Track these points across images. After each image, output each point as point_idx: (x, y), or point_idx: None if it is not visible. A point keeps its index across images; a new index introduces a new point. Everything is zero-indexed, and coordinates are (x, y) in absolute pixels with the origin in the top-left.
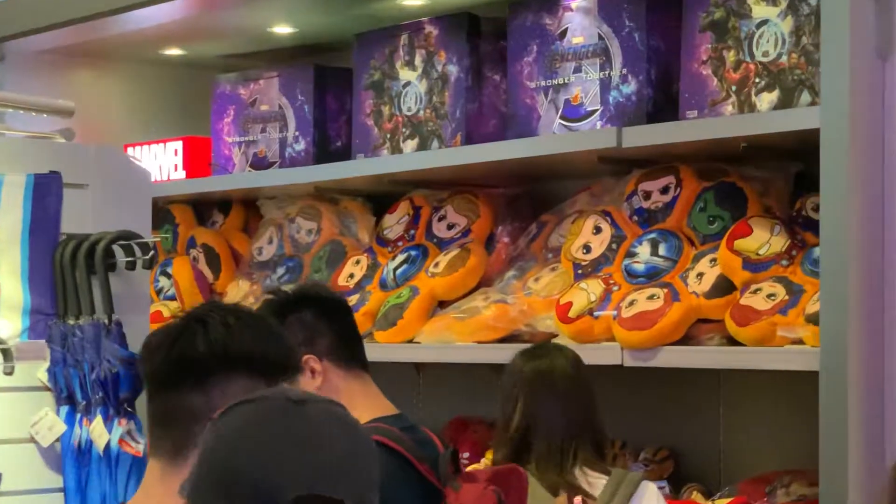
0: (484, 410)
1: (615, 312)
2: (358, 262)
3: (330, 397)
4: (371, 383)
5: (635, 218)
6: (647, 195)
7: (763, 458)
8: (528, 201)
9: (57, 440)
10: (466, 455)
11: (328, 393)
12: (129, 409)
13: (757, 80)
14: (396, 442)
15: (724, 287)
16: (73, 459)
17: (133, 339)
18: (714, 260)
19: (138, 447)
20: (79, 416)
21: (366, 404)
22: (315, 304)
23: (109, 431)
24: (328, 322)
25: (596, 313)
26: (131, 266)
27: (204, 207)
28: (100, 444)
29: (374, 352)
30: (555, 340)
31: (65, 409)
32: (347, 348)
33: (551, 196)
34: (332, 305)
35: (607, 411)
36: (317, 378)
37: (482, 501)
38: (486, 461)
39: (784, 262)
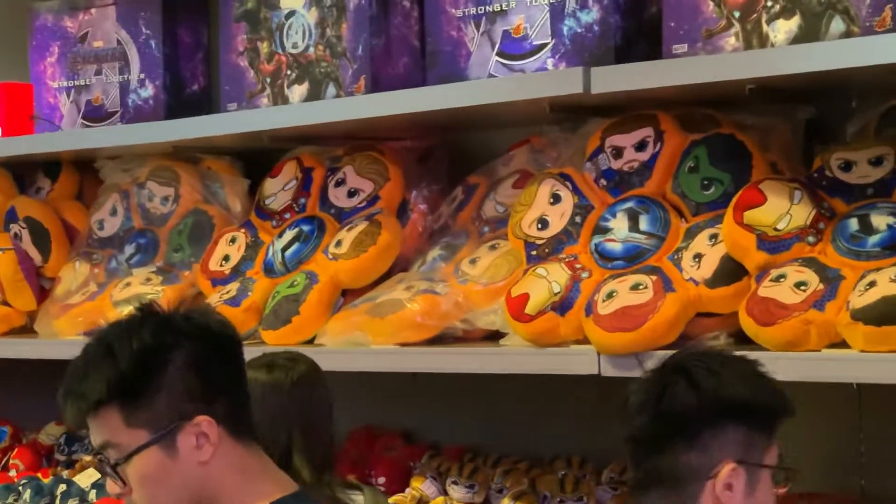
0: (397, 420)
1: (589, 307)
2: (233, 240)
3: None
4: (263, 453)
5: (603, 182)
6: (618, 152)
7: None
8: (443, 157)
9: None
10: (383, 480)
11: (217, 473)
12: None
13: (769, 2)
14: None
15: (730, 272)
16: None
17: None
18: (714, 236)
19: None
20: None
21: (267, 481)
22: (213, 341)
23: None
24: (229, 371)
25: (562, 307)
26: None
27: (25, 171)
28: None
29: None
30: (505, 341)
31: None
32: (243, 409)
33: (473, 150)
34: (231, 345)
35: (569, 423)
36: (204, 451)
37: None
38: (412, 491)
39: (810, 240)
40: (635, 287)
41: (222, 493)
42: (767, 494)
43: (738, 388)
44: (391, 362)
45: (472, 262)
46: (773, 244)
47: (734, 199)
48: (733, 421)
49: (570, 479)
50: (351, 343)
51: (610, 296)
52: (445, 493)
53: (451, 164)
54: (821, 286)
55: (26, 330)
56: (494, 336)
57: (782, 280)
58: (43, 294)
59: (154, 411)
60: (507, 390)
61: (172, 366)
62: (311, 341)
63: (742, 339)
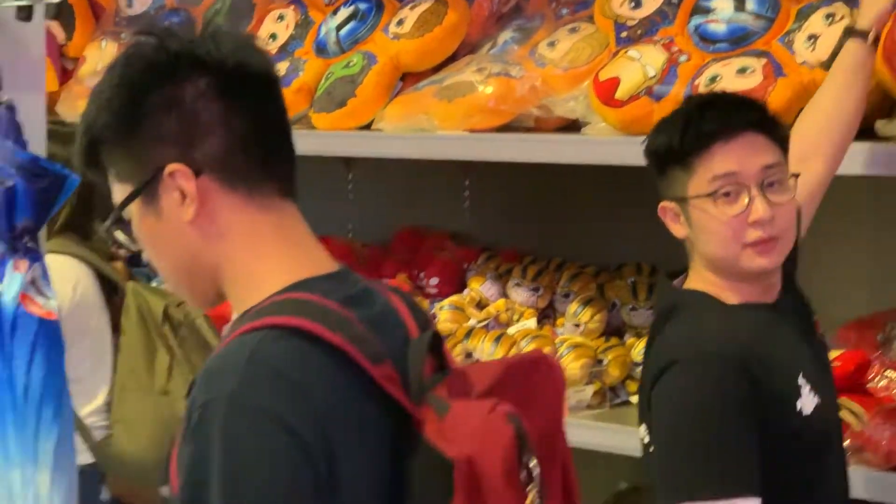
0: (444, 219)
1: (688, 93)
2: (281, 17)
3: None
4: (297, 218)
5: None
6: None
7: (846, 290)
8: None
9: None
10: (435, 282)
11: (210, 238)
12: (30, 246)
13: None
14: (334, 328)
15: None
16: None
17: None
18: (831, 15)
19: (49, 304)
20: None
21: (279, 259)
22: (211, 72)
23: (0, 280)
24: (228, 106)
25: (658, 92)
26: (25, 15)
27: None
28: None
29: (311, 142)
30: (587, 130)
31: None
32: (254, 154)
33: None
34: (241, 75)
35: (639, 227)
36: (187, 206)
37: (488, 438)
38: (471, 293)
39: None
40: (742, 71)
41: (225, 266)
42: None
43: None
44: (461, 149)
45: (551, 44)
46: None
47: None
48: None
49: (643, 285)
50: (414, 128)
51: (713, 80)
52: (506, 295)
53: None
54: None
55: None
56: (569, 128)
57: None
58: (66, 75)
59: (134, 161)
60: (570, 188)
61: (144, 103)
62: (367, 126)
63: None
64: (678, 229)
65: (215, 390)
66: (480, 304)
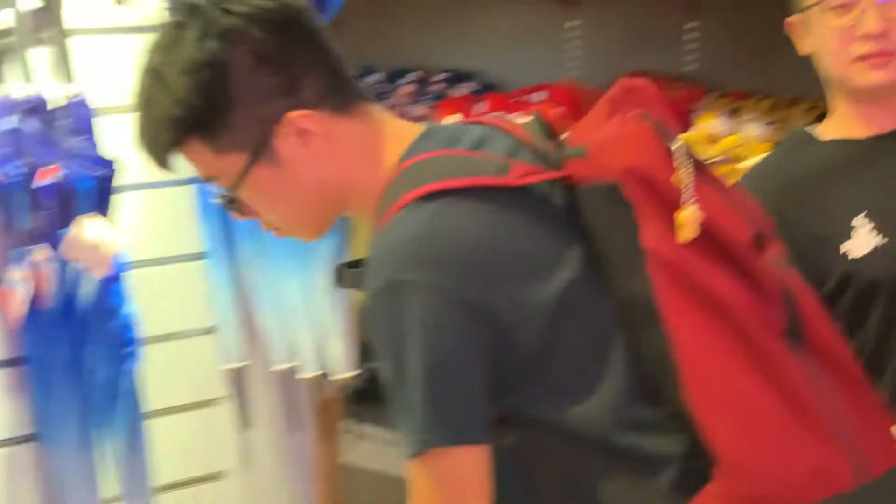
0: (667, 63)
1: None
2: None
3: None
4: (382, 112)
5: None
6: None
7: None
8: None
9: None
10: None
11: (337, 162)
12: None
13: None
14: (452, 174)
15: None
16: None
17: None
18: None
19: None
20: None
21: (387, 151)
22: (270, 21)
23: None
24: (303, 45)
25: None
26: None
27: None
28: None
29: None
30: None
31: None
32: (340, 73)
33: None
34: (293, 16)
35: None
36: (313, 144)
37: (632, 142)
38: (702, 129)
39: None
40: None
41: (352, 179)
42: None
43: None
44: None
45: None
46: None
47: None
48: None
49: None
50: None
51: None
52: (737, 132)
53: None
54: None
55: None
56: None
57: None
58: None
59: (237, 130)
60: None
61: (233, 72)
62: None
63: None
64: (802, 45)
65: (377, 281)
66: (712, 140)
